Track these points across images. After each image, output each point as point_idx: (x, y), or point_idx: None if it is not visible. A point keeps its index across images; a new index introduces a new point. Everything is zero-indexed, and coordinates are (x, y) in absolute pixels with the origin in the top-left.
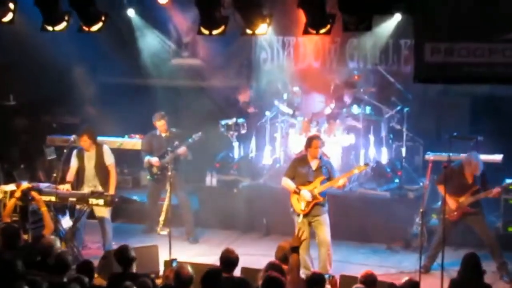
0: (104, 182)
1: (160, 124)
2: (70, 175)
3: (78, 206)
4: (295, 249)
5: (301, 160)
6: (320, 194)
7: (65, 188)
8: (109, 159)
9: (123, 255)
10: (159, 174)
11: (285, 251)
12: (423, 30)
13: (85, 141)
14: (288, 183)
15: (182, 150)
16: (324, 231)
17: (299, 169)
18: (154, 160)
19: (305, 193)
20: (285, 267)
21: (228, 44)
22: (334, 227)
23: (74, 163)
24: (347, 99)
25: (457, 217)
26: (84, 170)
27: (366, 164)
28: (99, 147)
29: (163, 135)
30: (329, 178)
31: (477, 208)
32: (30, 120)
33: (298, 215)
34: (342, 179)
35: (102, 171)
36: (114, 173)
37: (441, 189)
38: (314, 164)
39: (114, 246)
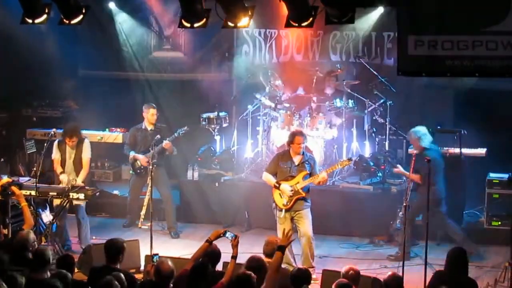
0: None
1: (153, 113)
2: (58, 166)
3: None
4: (281, 248)
5: (283, 156)
6: (303, 189)
7: (64, 179)
8: (86, 154)
9: (115, 248)
10: (142, 169)
11: (274, 246)
12: (406, 23)
13: (74, 141)
14: (268, 178)
15: (167, 144)
16: (306, 224)
17: (281, 164)
18: (141, 157)
19: (285, 187)
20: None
21: (210, 37)
22: (317, 222)
23: (57, 154)
24: (328, 92)
25: None
26: (64, 163)
27: (349, 159)
28: (80, 141)
29: (149, 128)
30: (311, 173)
31: None
32: (10, 114)
33: (281, 210)
34: (323, 174)
35: (80, 165)
36: (87, 168)
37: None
38: (296, 159)
39: (94, 240)
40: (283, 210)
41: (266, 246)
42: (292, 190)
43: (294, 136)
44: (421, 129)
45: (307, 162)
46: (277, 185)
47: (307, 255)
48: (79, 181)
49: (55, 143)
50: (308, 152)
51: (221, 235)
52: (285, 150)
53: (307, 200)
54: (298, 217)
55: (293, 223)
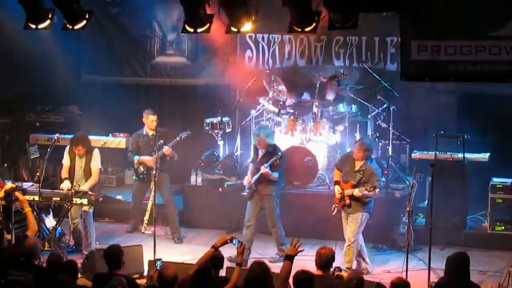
0: None
1: (152, 119)
2: (64, 172)
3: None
4: (288, 258)
5: (349, 157)
6: (351, 197)
7: (65, 187)
8: (96, 164)
9: (113, 256)
10: (145, 174)
11: (329, 256)
12: (409, 28)
13: (79, 150)
14: (334, 174)
15: (167, 150)
16: (349, 229)
17: (346, 165)
18: (147, 158)
19: (336, 189)
20: (319, 272)
21: (213, 42)
22: (319, 227)
23: (66, 160)
24: (330, 97)
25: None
26: (74, 170)
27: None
28: (89, 150)
29: (150, 133)
30: (357, 184)
31: None
32: (13, 119)
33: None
34: (356, 192)
35: (90, 175)
36: (96, 177)
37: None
38: (357, 165)
39: (97, 245)
40: (335, 209)
41: (319, 258)
42: (340, 194)
43: (354, 146)
44: (267, 128)
45: (360, 172)
46: (334, 185)
47: (344, 259)
48: (84, 187)
49: (66, 148)
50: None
51: (228, 241)
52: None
53: (355, 206)
54: (349, 220)
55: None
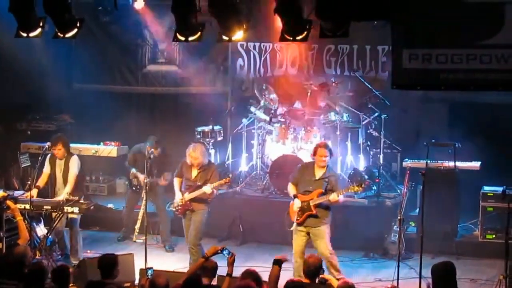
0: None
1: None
2: (42, 181)
3: (53, 214)
4: (277, 262)
5: (307, 168)
6: (317, 206)
7: (33, 193)
8: (73, 169)
9: (109, 265)
10: (138, 188)
11: (317, 265)
12: (401, 36)
13: (59, 150)
14: (290, 189)
15: (163, 182)
16: (320, 244)
17: (304, 176)
18: (142, 177)
19: (296, 202)
20: (306, 281)
21: (205, 51)
22: None
23: (46, 168)
24: (321, 104)
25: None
26: (55, 177)
27: (361, 186)
28: (69, 156)
29: (151, 156)
30: (326, 192)
31: None
32: (4, 127)
33: (294, 222)
34: (333, 196)
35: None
36: (72, 183)
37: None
38: (318, 173)
39: (88, 253)
40: (294, 223)
41: (307, 267)
42: (300, 206)
43: (317, 148)
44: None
45: (326, 179)
46: (293, 198)
47: (330, 270)
48: (61, 197)
49: (47, 157)
50: (332, 169)
51: (219, 251)
52: (311, 161)
53: (321, 217)
54: (313, 235)
55: (309, 238)
